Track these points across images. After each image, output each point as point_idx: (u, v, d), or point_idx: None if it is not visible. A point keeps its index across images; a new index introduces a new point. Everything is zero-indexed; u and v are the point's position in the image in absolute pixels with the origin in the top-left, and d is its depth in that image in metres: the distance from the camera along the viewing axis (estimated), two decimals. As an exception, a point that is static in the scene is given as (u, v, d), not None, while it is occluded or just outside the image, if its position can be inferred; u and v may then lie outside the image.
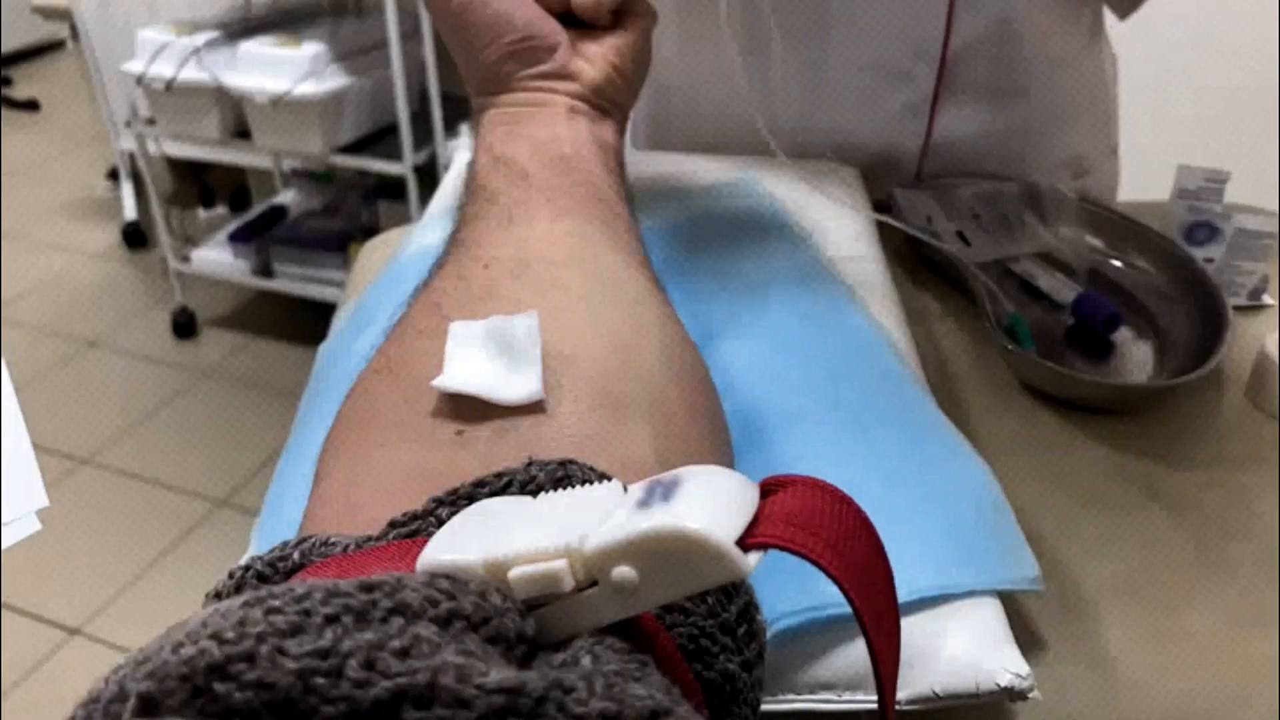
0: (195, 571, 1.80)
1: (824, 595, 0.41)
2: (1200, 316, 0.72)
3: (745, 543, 0.24)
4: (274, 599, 0.23)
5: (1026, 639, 0.44)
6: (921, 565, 0.44)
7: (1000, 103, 0.86)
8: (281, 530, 0.51)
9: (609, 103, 0.51)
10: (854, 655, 0.41)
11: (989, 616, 0.43)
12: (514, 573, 0.25)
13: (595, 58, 0.50)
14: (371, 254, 0.86)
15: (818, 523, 0.25)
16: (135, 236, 2.88)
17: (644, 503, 0.25)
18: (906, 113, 0.85)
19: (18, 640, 1.66)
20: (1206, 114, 1.79)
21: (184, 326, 2.49)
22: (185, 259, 2.43)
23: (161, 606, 1.72)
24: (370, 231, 2.34)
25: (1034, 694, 0.41)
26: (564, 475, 0.31)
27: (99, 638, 1.69)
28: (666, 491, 0.25)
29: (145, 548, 1.85)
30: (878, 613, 0.27)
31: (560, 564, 0.24)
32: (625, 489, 0.27)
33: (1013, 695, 0.41)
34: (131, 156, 2.63)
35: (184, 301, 2.49)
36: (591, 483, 0.28)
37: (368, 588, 0.23)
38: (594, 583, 0.25)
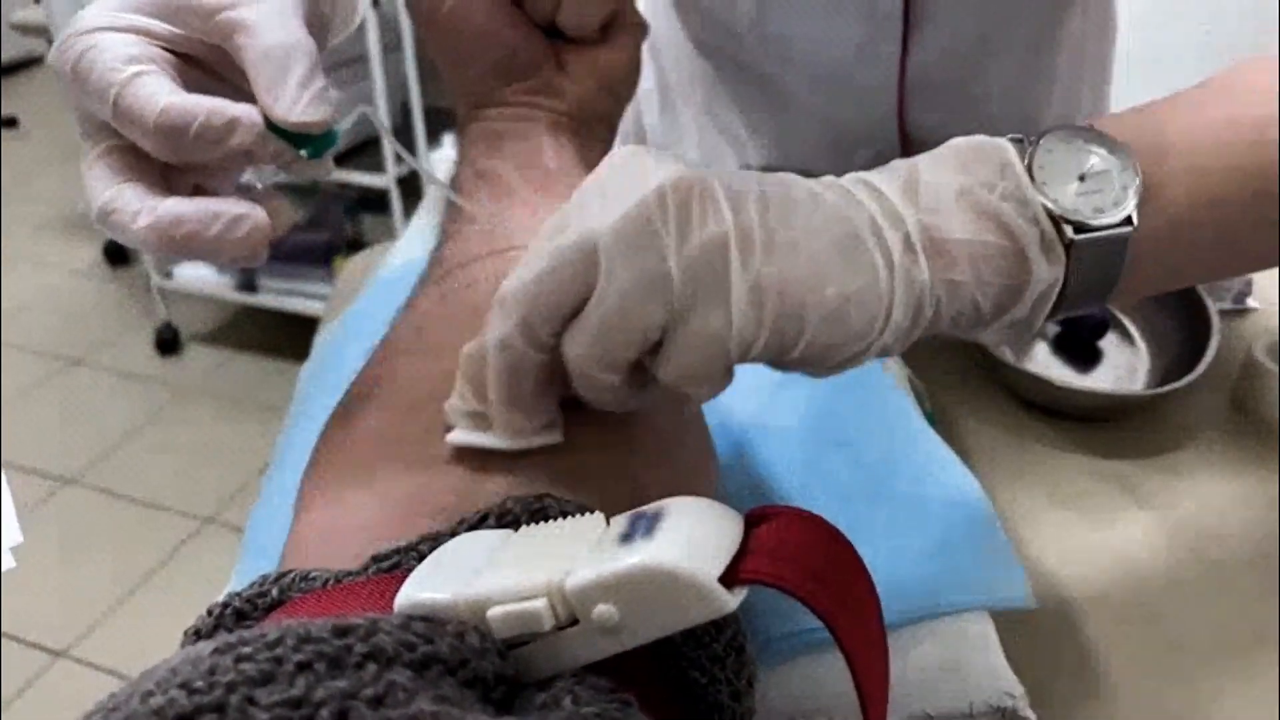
0: (183, 591, 1.78)
1: (812, 621, 0.40)
2: (1186, 321, 0.72)
3: (730, 577, 0.24)
4: (245, 645, 0.22)
5: (1018, 653, 0.43)
6: (911, 585, 0.43)
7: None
8: (264, 562, 0.50)
9: (594, 117, 0.50)
10: (845, 680, 0.41)
11: (981, 635, 0.43)
12: (493, 612, 0.24)
13: (580, 73, 0.49)
14: (354, 272, 0.85)
15: (802, 556, 0.25)
16: (117, 253, 2.86)
17: (626, 537, 0.25)
18: (876, 161, 0.79)
19: (4, 664, 1.64)
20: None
21: (167, 343, 2.47)
22: (168, 275, 2.41)
23: (150, 627, 1.69)
24: (354, 244, 2.33)
25: (1027, 713, 0.41)
26: (540, 508, 0.31)
27: (87, 660, 1.68)
28: (649, 525, 0.25)
29: (132, 567, 1.83)
30: (864, 642, 0.27)
31: (540, 603, 0.24)
32: (608, 521, 0.27)
33: (1006, 715, 0.41)
34: (112, 173, 2.61)
35: (167, 318, 2.47)
36: (570, 515, 0.28)
37: (341, 631, 0.22)
38: (575, 621, 0.24)
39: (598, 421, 0.37)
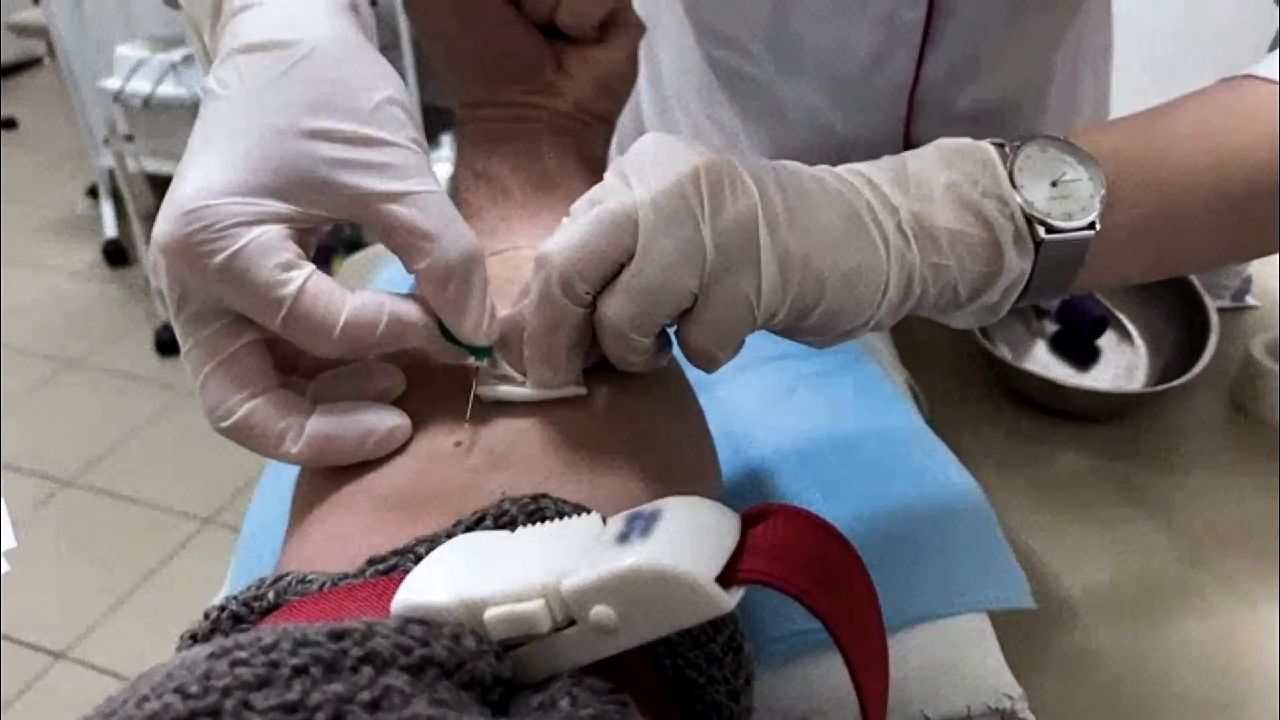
0: (182, 592, 1.78)
1: (811, 621, 0.40)
2: (1184, 319, 0.72)
3: (728, 577, 0.24)
4: (240, 650, 0.22)
5: (1018, 653, 0.43)
6: (910, 587, 0.43)
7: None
8: (258, 564, 0.50)
9: (593, 117, 0.50)
10: (842, 679, 0.41)
11: (979, 636, 0.43)
12: (490, 614, 0.24)
13: (579, 73, 0.49)
14: (353, 272, 0.85)
15: (799, 554, 0.25)
16: (116, 254, 2.86)
17: (623, 537, 0.25)
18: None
19: (4, 665, 1.64)
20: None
21: (167, 344, 2.46)
22: (167, 276, 2.41)
23: (149, 628, 1.69)
24: (352, 244, 2.32)
25: (1026, 714, 0.41)
26: (536, 509, 0.31)
27: (87, 661, 1.67)
28: (646, 525, 0.25)
29: (132, 568, 1.83)
30: (863, 641, 0.26)
31: (537, 604, 0.24)
32: (604, 521, 0.27)
33: (1004, 715, 0.41)
34: (111, 174, 2.61)
35: (166, 319, 2.47)
36: (566, 515, 0.28)
37: (337, 635, 0.22)
38: (572, 622, 0.24)
39: (597, 421, 0.37)
